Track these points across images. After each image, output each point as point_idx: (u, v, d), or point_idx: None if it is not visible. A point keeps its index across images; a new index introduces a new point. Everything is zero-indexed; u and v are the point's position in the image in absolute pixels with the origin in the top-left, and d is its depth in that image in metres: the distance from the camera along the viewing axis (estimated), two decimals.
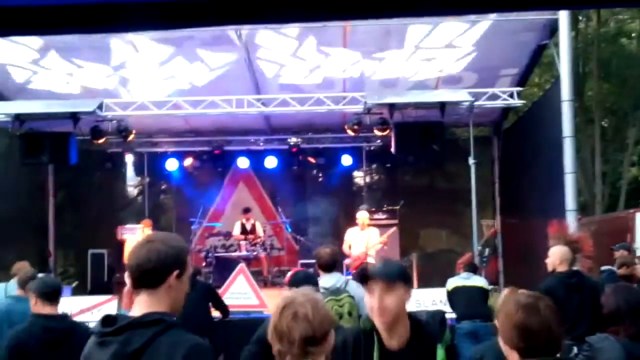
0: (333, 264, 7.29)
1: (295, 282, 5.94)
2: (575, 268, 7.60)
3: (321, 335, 2.95)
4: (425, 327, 3.92)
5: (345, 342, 3.78)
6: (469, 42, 13.23)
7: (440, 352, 3.80)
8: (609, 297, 4.69)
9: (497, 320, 3.42)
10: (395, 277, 3.80)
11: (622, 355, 4.29)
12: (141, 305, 2.99)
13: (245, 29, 12.49)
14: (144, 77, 14.27)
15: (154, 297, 2.98)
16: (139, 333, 2.86)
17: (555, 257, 7.47)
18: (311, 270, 7.92)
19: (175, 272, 3.00)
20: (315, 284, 5.85)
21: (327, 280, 6.92)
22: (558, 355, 3.25)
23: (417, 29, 12.80)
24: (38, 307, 5.95)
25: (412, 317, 3.94)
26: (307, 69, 14.15)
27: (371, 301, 3.80)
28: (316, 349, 2.94)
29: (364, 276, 3.89)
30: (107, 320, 2.99)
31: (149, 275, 2.97)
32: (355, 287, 7.23)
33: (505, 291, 4.44)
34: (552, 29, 12.43)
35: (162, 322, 2.90)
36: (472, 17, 12.04)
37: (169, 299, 3.00)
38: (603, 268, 10.23)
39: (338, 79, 14.55)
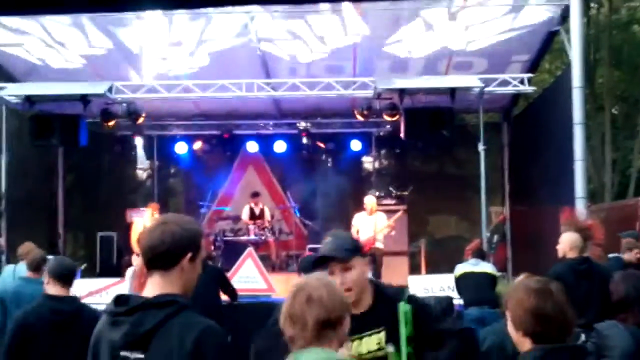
0: None
1: (303, 267, 5.94)
2: (585, 255, 7.59)
3: (336, 318, 2.91)
4: (385, 290, 3.95)
5: None
6: (480, 27, 13.17)
7: (403, 307, 3.78)
8: (618, 284, 4.69)
9: (507, 306, 3.41)
10: (351, 254, 3.79)
11: (631, 342, 4.28)
12: (154, 287, 3.00)
13: (254, 13, 12.48)
14: (150, 50, 14.14)
15: (166, 278, 2.99)
16: (152, 314, 2.88)
17: (566, 243, 7.46)
18: None
19: (189, 255, 3.00)
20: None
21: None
22: (569, 340, 3.25)
23: (428, 12, 12.77)
24: (50, 287, 5.98)
25: (373, 282, 3.99)
26: (314, 46, 14.04)
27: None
28: (330, 333, 2.90)
29: (319, 260, 3.88)
30: (119, 300, 3.01)
31: (163, 256, 2.98)
32: None
33: (521, 277, 4.43)
34: (564, 15, 12.37)
35: (175, 303, 2.92)
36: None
37: (182, 281, 3.01)
38: (610, 255, 10.23)
39: (347, 64, 14.47)
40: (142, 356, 2.86)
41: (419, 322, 3.76)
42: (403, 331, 3.72)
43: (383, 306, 3.81)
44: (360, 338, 3.74)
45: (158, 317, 2.86)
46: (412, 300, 3.85)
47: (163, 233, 2.98)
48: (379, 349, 3.74)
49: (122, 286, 12.11)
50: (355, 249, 3.86)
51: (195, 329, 2.86)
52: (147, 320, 2.86)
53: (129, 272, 11.60)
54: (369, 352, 3.74)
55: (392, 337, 3.73)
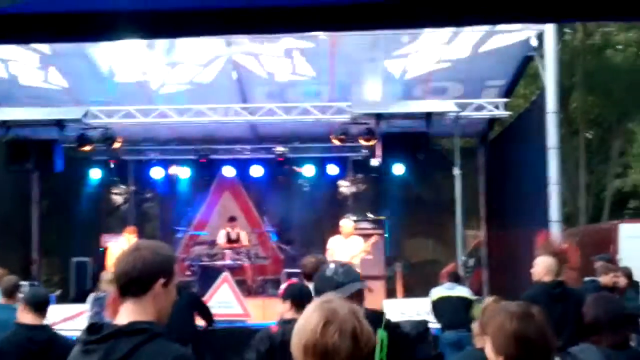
0: None
1: (290, 295, 5.89)
2: (560, 279, 7.63)
3: (367, 354, 2.65)
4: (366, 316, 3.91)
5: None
6: (455, 53, 13.26)
7: (381, 334, 3.76)
8: (588, 307, 4.72)
9: (483, 330, 3.41)
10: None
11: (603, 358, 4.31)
12: (127, 314, 2.97)
13: (232, 39, 12.51)
14: (128, 79, 14.14)
15: (139, 305, 2.96)
16: (123, 342, 2.85)
17: (541, 267, 7.48)
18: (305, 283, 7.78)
19: (161, 281, 2.98)
20: (309, 297, 5.76)
21: (312, 290, 6.87)
22: None
23: (404, 38, 12.84)
24: (24, 315, 5.93)
25: None
26: (293, 78, 14.11)
27: None
28: None
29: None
30: (92, 328, 2.98)
31: (135, 282, 2.96)
32: None
33: (489, 300, 4.44)
34: (538, 40, 12.49)
35: (147, 331, 2.89)
36: (458, 28, 12.08)
37: (155, 307, 2.98)
38: (586, 279, 10.28)
39: (324, 88, 14.53)
40: None
41: (395, 350, 3.74)
42: (377, 357, 3.70)
43: None
44: None
45: (129, 345, 2.83)
46: (388, 327, 3.83)
47: (135, 259, 2.97)
48: None
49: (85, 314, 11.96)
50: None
51: (167, 357, 2.82)
52: (119, 348, 2.84)
53: (90, 298, 11.51)
54: None
55: None
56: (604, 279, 9.87)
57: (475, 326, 4.51)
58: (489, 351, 3.34)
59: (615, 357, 4.37)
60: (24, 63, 13.58)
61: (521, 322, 3.23)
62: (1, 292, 8.35)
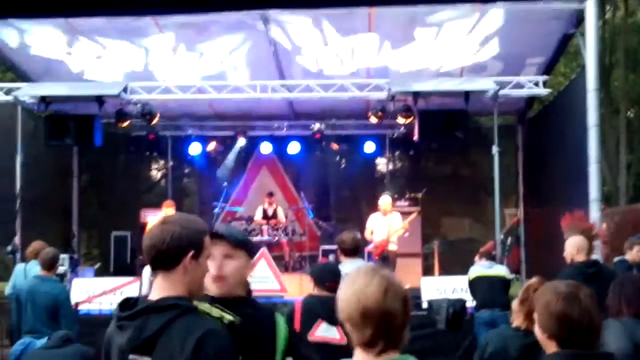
0: (356, 250, 7.31)
1: (311, 273, 5.98)
2: (594, 257, 7.56)
3: (408, 321, 2.75)
4: (259, 303, 3.85)
5: None
6: (496, 30, 13.13)
7: (280, 320, 3.74)
8: (610, 292, 4.80)
9: (533, 307, 3.43)
10: (240, 242, 3.66)
11: (624, 335, 4.32)
12: (158, 289, 2.99)
13: (270, 14, 12.45)
14: (169, 62, 14.25)
15: (170, 279, 2.98)
16: (154, 318, 2.88)
17: (572, 247, 7.40)
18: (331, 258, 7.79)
19: (190, 253, 2.97)
20: (336, 273, 5.81)
21: (349, 266, 6.89)
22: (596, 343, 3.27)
23: (441, 15, 12.71)
24: None
25: (250, 293, 3.84)
26: (331, 56, 14.06)
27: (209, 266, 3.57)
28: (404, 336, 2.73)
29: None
30: (125, 303, 3.02)
31: (163, 256, 2.96)
32: None
33: (533, 280, 4.45)
34: (579, 18, 12.32)
35: (178, 307, 2.90)
36: (500, 4, 11.95)
37: (186, 281, 2.98)
38: (616, 259, 10.22)
39: (362, 68, 14.47)
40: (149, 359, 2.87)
41: (292, 345, 3.72)
42: (282, 342, 3.69)
43: (253, 312, 3.64)
44: None
45: (160, 322, 2.86)
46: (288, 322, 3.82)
47: (163, 232, 2.97)
48: None
49: (136, 285, 12.19)
50: (245, 241, 3.75)
51: (198, 331, 2.83)
52: (150, 325, 2.87)
53: (146, 270, 11.63)
54: None
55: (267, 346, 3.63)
56: (630, 255, 9.81)
57: (514, 303, 4.52)
58: (536, 328, 3.38)
59: (635, 327, 4.41)
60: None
61: (567, 303, 3.25)
62: (41, 264, 8.50)
